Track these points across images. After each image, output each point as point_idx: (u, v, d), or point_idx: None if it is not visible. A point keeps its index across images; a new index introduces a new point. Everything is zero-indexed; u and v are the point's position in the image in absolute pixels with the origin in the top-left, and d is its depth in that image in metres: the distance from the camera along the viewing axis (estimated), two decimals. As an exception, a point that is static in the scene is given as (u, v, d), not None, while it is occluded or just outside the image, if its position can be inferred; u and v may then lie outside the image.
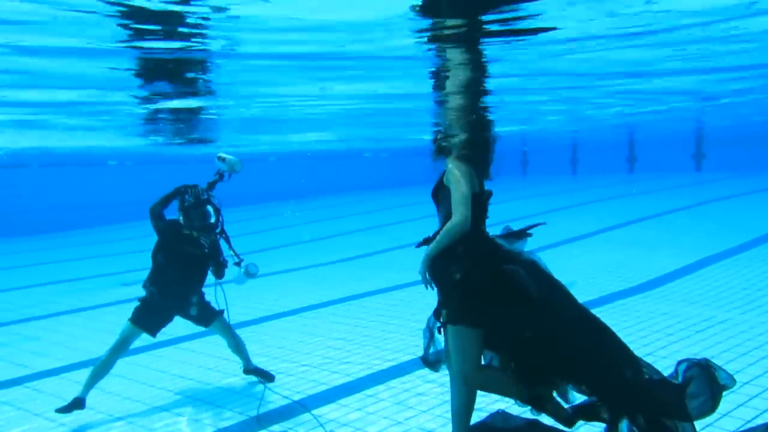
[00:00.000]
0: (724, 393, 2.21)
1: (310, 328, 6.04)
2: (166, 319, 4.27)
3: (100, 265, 10.65)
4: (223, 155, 4.25)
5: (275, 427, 3.76)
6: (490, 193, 2.68)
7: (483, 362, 2.74)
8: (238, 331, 4.56)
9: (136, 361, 5.20)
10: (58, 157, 15.37)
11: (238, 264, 4.25)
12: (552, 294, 2.51)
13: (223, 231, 4.25)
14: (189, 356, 5.31)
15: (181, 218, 4.15)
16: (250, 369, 4.53)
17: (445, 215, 2.63)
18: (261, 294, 7.77)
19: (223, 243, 4.31)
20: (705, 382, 2.19)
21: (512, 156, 24.42)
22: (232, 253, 4.27)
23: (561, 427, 2.64)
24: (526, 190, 18.78)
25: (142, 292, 4.24)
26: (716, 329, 5.04)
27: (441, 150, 2.73)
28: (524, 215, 11.64)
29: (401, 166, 23.74)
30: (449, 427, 2.88)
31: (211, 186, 4.25)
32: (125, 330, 4.11)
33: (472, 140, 2.78)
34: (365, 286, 7.78)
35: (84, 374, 4.16)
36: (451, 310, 2.54)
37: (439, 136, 2.81)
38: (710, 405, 2.18)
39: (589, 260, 8.46)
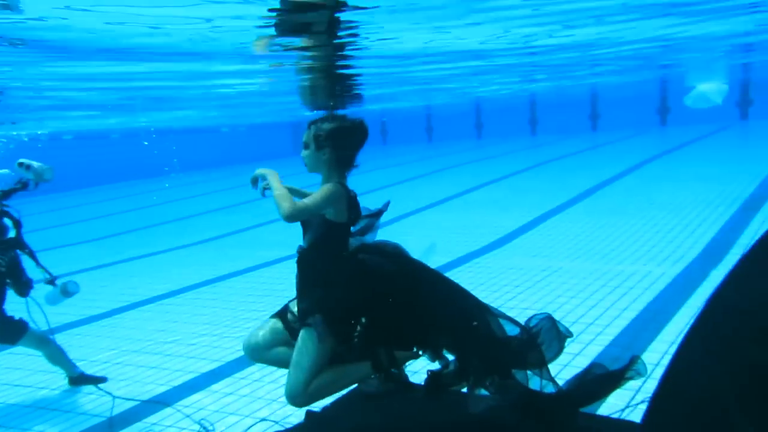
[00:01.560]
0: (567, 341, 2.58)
1: (173, 315, 5.70)
2: None
3: None
4: (26, 162, 3.59)
5: (131, 428, 3.50)
6: (354, 195, 2.62)
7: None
8: (91, 326, 4.12)
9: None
10: None
11: (51, 282, 3.70)
12: (406, 265, 2.64)
13: (26, 246, 3.67)
14: (26, 361, 4.71)
15: None
16: (75, 376, 4.01)
17: (312, 237, 2.60)
18: (116, 282, 7.14)
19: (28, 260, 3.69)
20: (551, 332, 2.51)
21: (372, 126, 24.97)
22: (41, 270, 3.68)
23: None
24: (385, 159, 19.40)
25: None
26: (552, 278, 5.73)
27: (310, 143, 2.61)
28: (385, 184, 12.08)
29: (262, 140, 23.05)
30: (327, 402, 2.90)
31: (7, 195, 3.63)
32: None
33: (346, 133, 2.73)
34: (233, 266, 7.51)
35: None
36: (322, 319, 2.52)
37: (311, 128, 2.63)
38: (557, 348, 2.51)
39: (448, 222, 9.06)
